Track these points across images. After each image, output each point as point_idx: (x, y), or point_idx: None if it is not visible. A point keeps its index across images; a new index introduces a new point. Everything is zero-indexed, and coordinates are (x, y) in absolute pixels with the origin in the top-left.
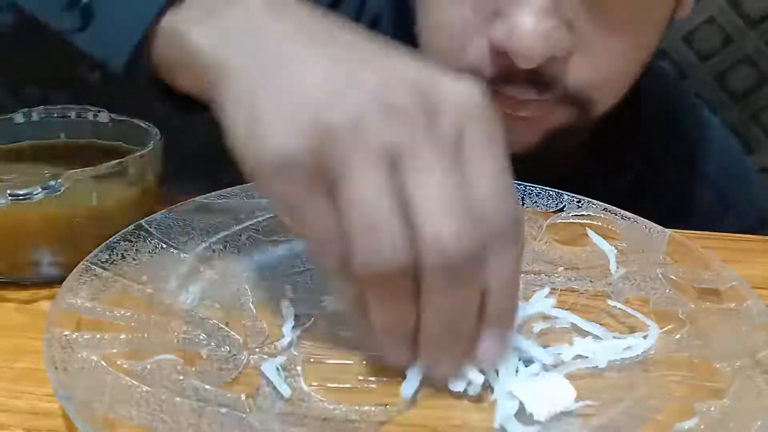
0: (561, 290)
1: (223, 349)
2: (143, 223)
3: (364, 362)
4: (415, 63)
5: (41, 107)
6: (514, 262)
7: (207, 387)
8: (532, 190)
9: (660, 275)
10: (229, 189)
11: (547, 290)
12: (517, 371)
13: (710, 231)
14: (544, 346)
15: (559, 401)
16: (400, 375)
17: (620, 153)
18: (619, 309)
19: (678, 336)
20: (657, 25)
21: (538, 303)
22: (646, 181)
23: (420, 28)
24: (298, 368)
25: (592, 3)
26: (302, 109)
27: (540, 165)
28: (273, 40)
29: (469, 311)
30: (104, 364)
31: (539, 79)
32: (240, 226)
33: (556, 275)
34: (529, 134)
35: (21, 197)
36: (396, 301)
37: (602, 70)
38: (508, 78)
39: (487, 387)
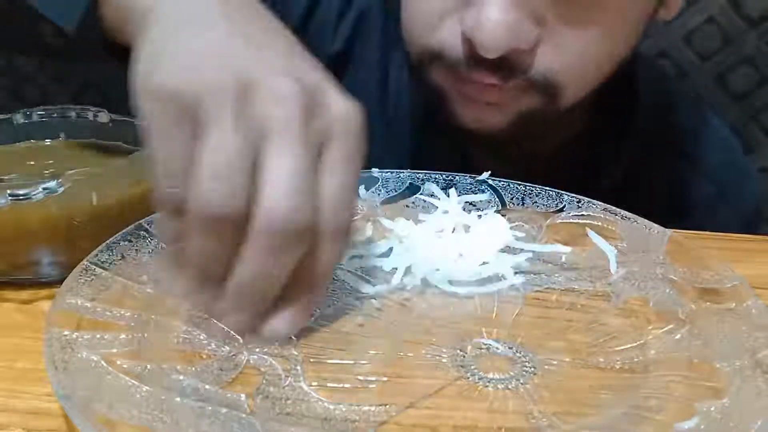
0: (561, 290)
1: (223, 349)
2: (143, 223)
3: (364, 362)
4: (318, 71)
5: (41, 107)
6: (333, 257)
7: (207, 387)
8: (532, 190)
9: (660, 275)
10: None
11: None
12: None
13: (707, 223)
14: None
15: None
16: (400, 375)
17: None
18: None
19: (678, 336)
20: (631, 20)
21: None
22: (642, 174)
23: (402, 16)
24: (298, 368)
25: None
26: (202, 59)
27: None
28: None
29: (278, 278)
30: (104, 364)
31: (505, 66)
32: None
33: (556, 275)
34: (497, 117)
35: (21, 197)
36: (217, 242)
37: (569, 61)
38: (476, 62)
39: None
